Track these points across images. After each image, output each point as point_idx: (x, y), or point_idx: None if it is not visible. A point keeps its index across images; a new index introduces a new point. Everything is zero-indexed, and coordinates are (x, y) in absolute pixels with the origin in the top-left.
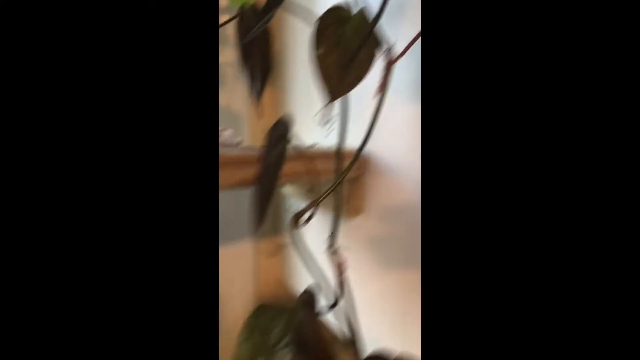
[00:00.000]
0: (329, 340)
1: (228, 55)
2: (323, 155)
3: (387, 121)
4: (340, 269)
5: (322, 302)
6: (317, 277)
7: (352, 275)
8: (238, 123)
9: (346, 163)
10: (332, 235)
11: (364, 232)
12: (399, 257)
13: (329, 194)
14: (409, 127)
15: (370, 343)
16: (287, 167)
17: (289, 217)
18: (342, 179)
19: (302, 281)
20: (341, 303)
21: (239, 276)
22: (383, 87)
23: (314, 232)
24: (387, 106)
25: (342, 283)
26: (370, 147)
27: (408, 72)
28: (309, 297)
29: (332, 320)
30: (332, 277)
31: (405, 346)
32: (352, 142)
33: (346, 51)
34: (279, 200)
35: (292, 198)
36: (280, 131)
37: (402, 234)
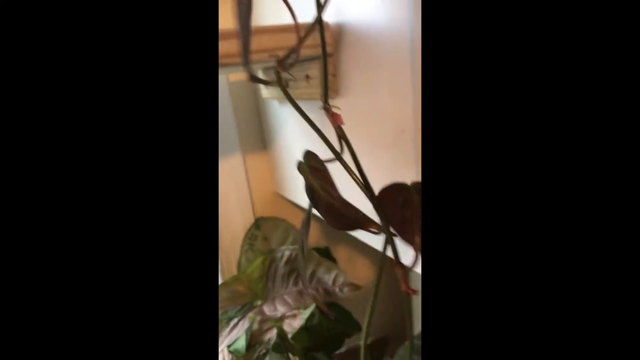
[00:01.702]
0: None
1: None
2: (289, 29)
3: None
4: (337, 119)
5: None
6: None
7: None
8: None
9: (311, 38)
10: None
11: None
12: (388, 138)
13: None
14: None
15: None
16: (256, 43)
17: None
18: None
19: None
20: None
21: (234, 191)
22: None
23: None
24: None
25: (341, 134)
26: (342, 18)
27: None
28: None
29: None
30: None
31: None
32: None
33: None
34: (263, 114)
35: (272, 97)
36: None
37: (389, 113)
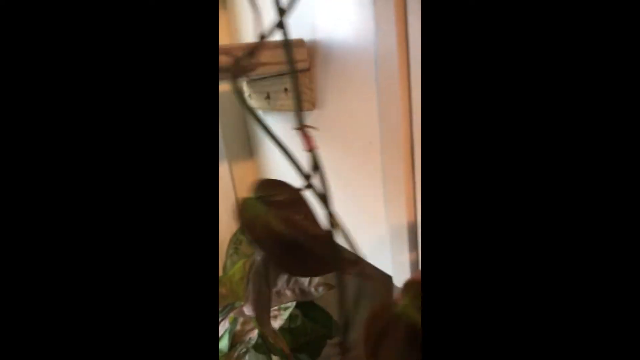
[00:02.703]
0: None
1: None
2: (268, 46)
3: (333, 7)
4: (309, 142)
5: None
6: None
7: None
8: None
9: (296, 54)
10: (298, 117)
11: (321, 125)
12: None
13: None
14: (356, 13)
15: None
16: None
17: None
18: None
19: None
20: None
21: (220, 196)
22: None
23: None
24: None
25: (315, 158)
26: (317, 35)
27: None
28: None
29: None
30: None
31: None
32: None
33: None
34: (249, 123)
35: (256, 108)
36: None
37: (359, 125)
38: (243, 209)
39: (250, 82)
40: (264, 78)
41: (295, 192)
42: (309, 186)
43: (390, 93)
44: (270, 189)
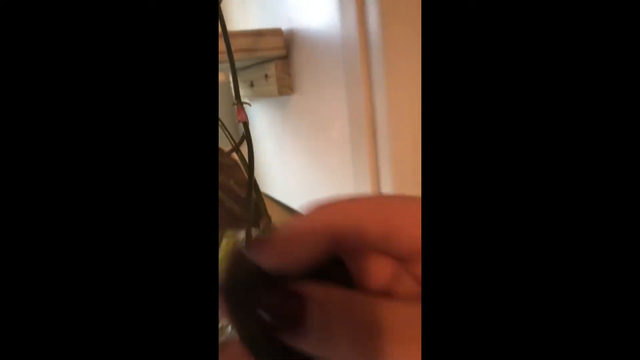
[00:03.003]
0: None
1: None
2: (246, 34)
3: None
4: (241, 114)
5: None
6: None
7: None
8: None
9: (267, 42)
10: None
11: (300, 107)
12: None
13: None
14: (326, 2)
15: None
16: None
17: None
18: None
19: None
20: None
21: None
22: None
23: None
24: None
25: (245, 128)
26: (293, 24)
27: None
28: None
29: None
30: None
31: None
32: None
33: None
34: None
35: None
36: None
37: (331, 107)
38: None
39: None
40: (248, 67)
41: (228, 155)
42: (236, 150)
43: (353, 76)
44: None
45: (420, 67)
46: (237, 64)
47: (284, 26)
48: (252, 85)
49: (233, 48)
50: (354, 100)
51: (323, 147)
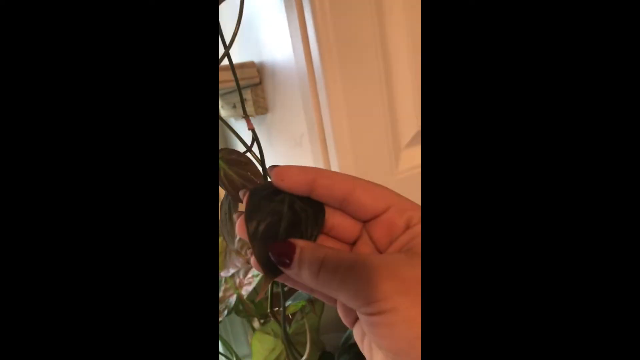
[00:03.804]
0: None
1: None
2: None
3: (271, 35)
4: (249, 125)
5: None
6: None
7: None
8: None
9: (249, 73)
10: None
11: (273, 124)
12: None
13: None
14: (292, 37)
15: None
16: None
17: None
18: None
19: None
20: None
21: None
22: None
23: None
24: (266, 19)
25: (254, 134)
26: (263, 57)
27: None
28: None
29: None
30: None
31: None
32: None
33: None
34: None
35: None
36: None
37: (296, 122)
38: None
39: (221, 96)
40: (230, 92)
41: (243, 155)
42: (249, 150)
43: (306, 96)
44: (227, 153)
45: (356, 86)
46: (223, 90)
47: (256, 59)
48: (234, 106)
49: (221, 78)
50: (309, 116)
51: (292, 153)
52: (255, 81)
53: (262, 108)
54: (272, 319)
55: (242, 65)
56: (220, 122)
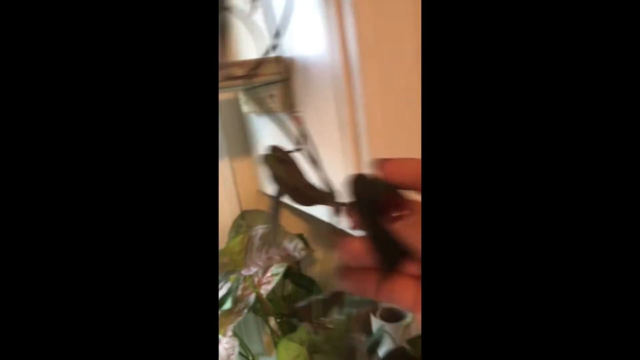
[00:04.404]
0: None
1: None
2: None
3: (303, 25)
4: (298, 121)
5: None
6: None
7: None
8: None
9: (272, 67)
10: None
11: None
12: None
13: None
14: (323, 28)
15: None
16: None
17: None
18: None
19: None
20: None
21: (222, 189)
22: None
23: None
24: (300, 12)
25: (303, 131)
26: (292, 51)
27: None
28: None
29: None
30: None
31: None
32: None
33: None
34: (246, 125)
35: (250, 112)
36: None
37: (324, 117)
38: (265, 160)
39: (245, 91)
40: (254, 87)
41: (287, 154)
42: (298, 149)
43: (339, 94)
44: (275, 150)
45: (391, 84)
46: (249, 85)
47: (285, 54)
48: (259, 102)
49: (241, 73)
50: (340, 114)
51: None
52: (284, 77)
53: (290, 104)
54: (288, 318)
55: (269, 60)
56: (268, 118)
